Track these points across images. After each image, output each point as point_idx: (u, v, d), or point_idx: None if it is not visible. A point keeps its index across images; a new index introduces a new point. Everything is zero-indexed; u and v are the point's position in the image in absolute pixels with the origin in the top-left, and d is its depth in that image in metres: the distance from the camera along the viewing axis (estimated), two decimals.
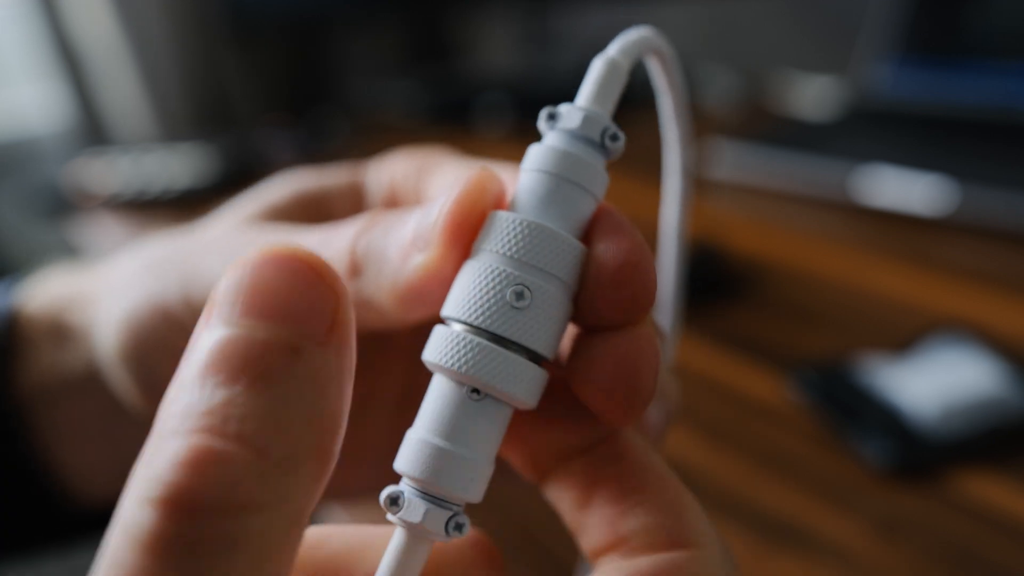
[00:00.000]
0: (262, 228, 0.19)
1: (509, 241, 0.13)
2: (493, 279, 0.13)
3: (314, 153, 0.84)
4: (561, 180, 0.14)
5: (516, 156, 0.16)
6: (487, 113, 0.87)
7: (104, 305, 0.21)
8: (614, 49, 0.15)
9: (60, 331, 0.22)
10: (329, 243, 0.16)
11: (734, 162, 0.61)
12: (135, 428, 0.20)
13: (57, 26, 0.96)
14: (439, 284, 0.14)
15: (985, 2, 0.63)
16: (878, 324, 0.39)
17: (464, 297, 0.13)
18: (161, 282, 0.19)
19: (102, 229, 0.69)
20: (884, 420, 0.30)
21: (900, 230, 0.50)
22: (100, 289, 0.22)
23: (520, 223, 0.13)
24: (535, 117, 0.16)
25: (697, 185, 0.62)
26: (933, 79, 0.65)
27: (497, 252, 0.13)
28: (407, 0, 1.06)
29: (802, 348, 0.37)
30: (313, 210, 0.21)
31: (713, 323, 0.40)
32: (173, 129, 1.01)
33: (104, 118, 1.02)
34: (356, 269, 0.16)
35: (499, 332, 0.12)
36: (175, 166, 0.74)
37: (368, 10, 1.04)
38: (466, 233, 0.14)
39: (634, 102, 0.96)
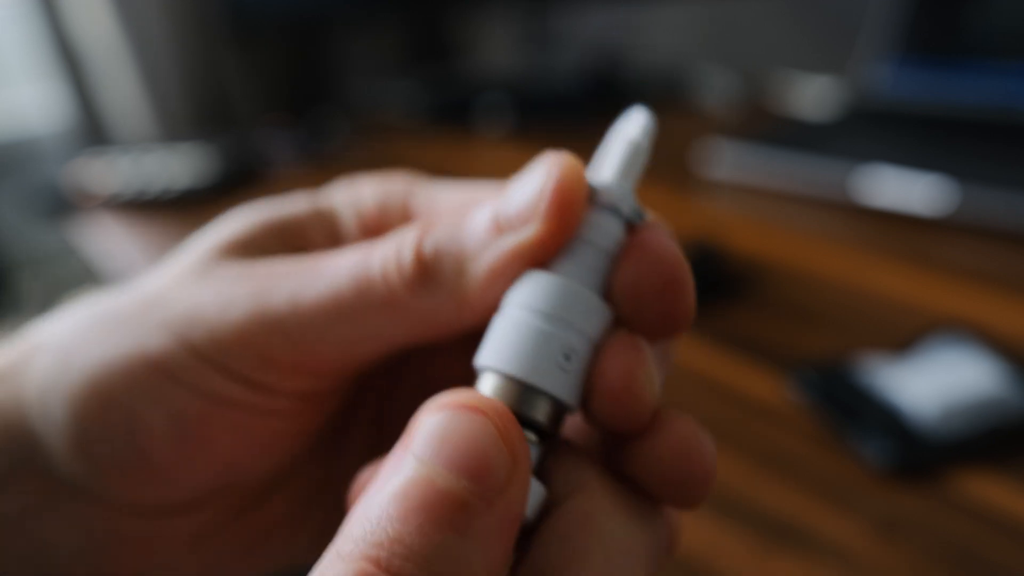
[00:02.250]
0: (250, 263, 0.17)
1: (556, 301, 0.14)
2: (544, 339, 0.14)
3: (314, 153, 0.84)
4: (595, 249, 0.15)
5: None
6: (487, 113, 0.87)
7: (40, 376, 0.17)
8: (636, 131, 0.17)
9: None
10: (384, 251, 0.16)
11: (734, 162, 0.61)
12: (59, 524, 0.17)
13: (57, 26, 0.96)
14: (537, 260, 0.15)
15: (985, 2, 0.63)
16: (878, 324, 0.39)
17: (512, 351, 0.14)
18: (137, 332, 0.16)
19: (102, 229, 0.69)
20: (884, 420, 0.30)
21: (900, 230, 0.50)
22: (25, 360, 0.17)
23: (566, 286, 0.14)
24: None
25: (697, 185, 0.62)
26: (933, 79, 0.65)
27: (540, 311, 0.14)
28: (407, 0, 1.06)
29: (802, 348, 0.37)
30: (287, 239, 0.19)
31: (713, 323, 0.40)
32: (173, 129, 1.01)
33: (104, 118, 1.02)
34: (424, 274, 0.15)
35: (548, 390, 0.14)
36: (175, 166, 0.74)
37: (368, 10, 1.04)
38: (570, 208, 0.14)
39: (632, 102, 0.96)
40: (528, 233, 0.15)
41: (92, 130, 1.01)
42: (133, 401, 0.16)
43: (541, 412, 0.14)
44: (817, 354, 0.36)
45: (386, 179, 0.20)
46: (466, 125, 0.89)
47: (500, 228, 0.15)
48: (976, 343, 0.34)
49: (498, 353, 0.14)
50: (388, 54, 1.21)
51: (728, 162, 0.61)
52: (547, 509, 0.13)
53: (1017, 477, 0.28)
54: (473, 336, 0.18)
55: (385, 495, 0.10)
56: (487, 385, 0.14)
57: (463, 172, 0.74)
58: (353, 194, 0.20)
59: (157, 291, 0.17)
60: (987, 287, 0.41)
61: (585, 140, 0.89)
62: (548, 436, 0.14)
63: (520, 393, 0.14)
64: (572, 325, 0.14)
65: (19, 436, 0.17)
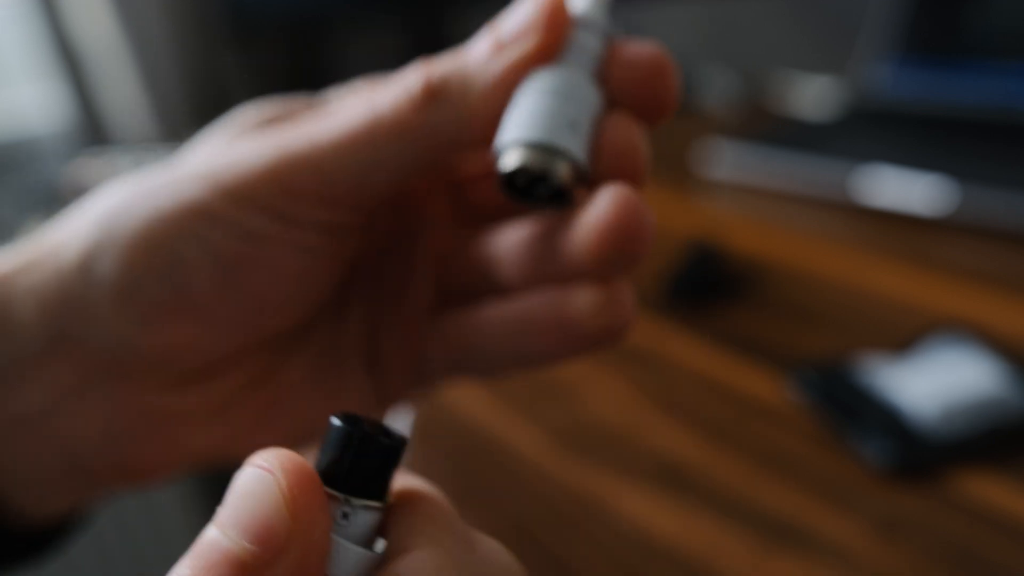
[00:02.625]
0: (271, 127, 0.19)
1: (559, 81, 0.17)
2: (554, 109, 0.16)
3: None
4: (584, 53, 0.18)
5: None
6: None
7: (82, 244, 0.18)
8: None
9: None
10: (391, 86, 0.18)
11: (734, 162, 0.61)
12: (99, 405, 0.18)
13: (57, 26, 0.96)
14: (536, 68, 0.17)
15: (985, 2, 0.63)
16: (878, 324, 0.39)
17: (529, 121, 0.16)
18: (177, 189, 0.18)
19: None
20: (884, 420, 0.30)
21: (900, 230, 0.50)
22: (69, 236, 0.19)
23: (565, 70, 0.17)
24: None
25: (697, 185, 0.62)
26: (933, 79, 0.65)
27: (546, 90, 0.17)
28: (407, 0, 1.06)
29: (802, 348, 0.37)
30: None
31: (713, 323, 0.40)
32: (173, 129, 1.01)
33: (104, 118, 1.02)
34: (431, 95, 0.17)
35: (565, 147, 0.16)
36: None
37: (368, 10, 1.04)
38: (561, 18, 0.17)
39: None
40: (527, 44, 0.17)
41: (92, 130, 1.01)
42: (176, 244, 0.17)
43: (563, 170, 0.16)
44: (817, 354, 0.36)
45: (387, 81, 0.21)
46: None
47: (500, 47, 0.17)
48: (976, 343, 0.34)
49: (517, 128, 0.16)
50: (388, 54, 1.21)
51: (728, 162, 0.61)
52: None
53: (1017, 477, 0.28)
54: (452, 206, 0.22)
55: (188, 554, 0.11)
56: (512, 158, 0.16)
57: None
58: (350, 93, 0.21)
59: (188, 162, 0.19)
60: (987, 287, 0.41)
61: None
62: (561, 199, 0.17)
63: (543, 156, 0.16)
64: (575, 100, 0.17)
65: (61, 309, 0.18)
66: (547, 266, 0.18)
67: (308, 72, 1.13)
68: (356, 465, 0.12)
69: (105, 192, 0.20)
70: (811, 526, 0.27)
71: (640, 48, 0.18)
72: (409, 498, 0.13)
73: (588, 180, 0.17)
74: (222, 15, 1.00)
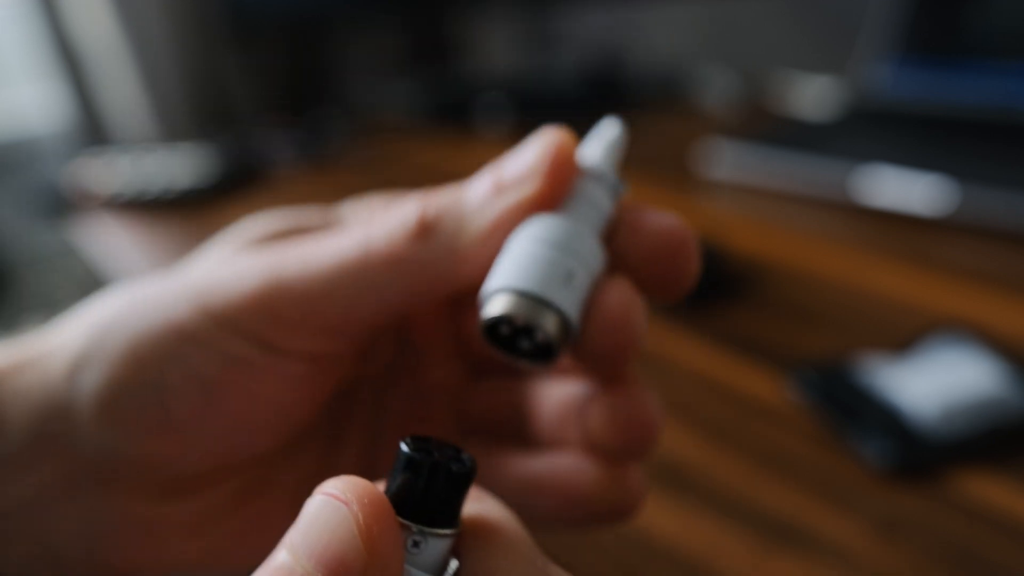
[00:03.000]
0: (268, 246, 0.19)
1: (558, 232, 0.16)
2: (549, 260, 0.15)
3: (314, 153, 0.84)
4: (588, 206, 0.17)
5: None
6: (487, 113, 0.87)
7: (73, 351, 0.18)
8: (613, 129, 0.19)
9: None
10: (387, 218, 0.17)
11: (734, 162, 0.61)
12: (81, 501, 0.18)
13: (57, 26, 0.96)
14: (531, 215, 0.16)
15: (985, 2, 0.63)
16: (878, 324, 0.39)
17: (521, 270, 0.15)
18: (166, 307, 0.18)
19: (102, 229, 0.69)
20: (884, 420, 0.30)
21: (900, 230, 0.50)
22: (60, 343, 0.19)
23: (566, 221, 0.16)
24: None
25: (697, 185, 0.62)
26: (933, 79, 0.65)
27: (543, 239, 0.16)
28: (407, 0, 1.06)
29: (802, 348, 0.37)
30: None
31: (713, 323, 0.40)
32: (173, 129, 1.01)
33: (104, 118, 1.02)
34: (425, 230, 0.17)
35: (555, 302, 0.15)
36: (175, 166, 0.74)
37: (368, 10, 1.04)
38: (566, 167, 0.16)
39: (632, 105, 0.96)
40: (527, 189, 0.16)
41: (92, 130, 1.01)
42: (160, 363, 0.17)
43: (551, 325, 0.15)
44: (817, 354, 0.36)
45: (396, 197, 0.21)
46: (466, 125, 0.89)
47: (500, 189, 0.17)
48: (976, 343, 0.34)
49: (507, 274, 0.15)
50: (388, 54, 1.21)
51: (728, 162, 0.61)
52: None
53: (1017, 477, 0.28)
54: (461, 345, 0.21)
55: (258, 574, 0.11)
56: (497, 305, 0.15)
57: (463, 172, 0.74)
58: (363, 208, 0.21)
59: (184, 276, 0.19)
60: (987, 287, 0.41)
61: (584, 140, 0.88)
62: (546, 355, 0.16)
63: (531, 307, 0.15)
64: (573, 252, 0.15)
65: (47, 411, 0.18)
66: (569, 432, 0.18)
67: (308, 72, 1.13)
68: (427, 493, 0.12)
69: (101, 300, 0.20)
70: (811, 526, 0.27)
71: (659, 219, 0.17)
72: (484, 526, 0.13)
73: (577, 340, 0.16)
74: (222, 15, 1.00)
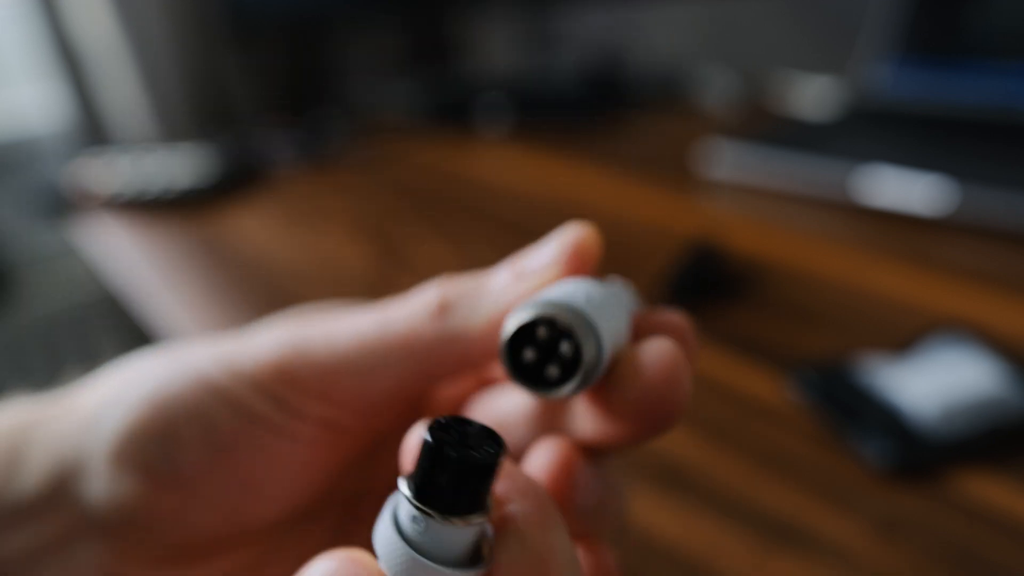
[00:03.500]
0: (313, 315, 0.20)
1: (589, 281, 0.16)
2: (581, 287, 0.15)
3: (314, 153, 0.84)
4: (612, 294, 0.17)
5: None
6: (487, 113, 0.87)
7: (97, 401, 0.19)
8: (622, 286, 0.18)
9: (13, 455, 0.19)
10: (408, 299, 0.18)
11: (734, 162, 0.61)
12: (91, 549, 0.18)
13: (57, 26, 0.96)
14: None
15: (985, 2, 0.63)
16: (878, 324, 0.39)
17: (552, 292, 0.15)
18: (192, 362, 0.18)
19: (102, 229, 0.69)
20: (884, 420, 0.30)
21: (900, 230, 0.50)
22: (88, 394, 0.20)
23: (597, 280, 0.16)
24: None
25: (697, 185, 0.62)
26: (933, 79, 0.65)
27: (583, 281, 0.16)
28: (407, 0, 1.06)
29: (802, 348, 0.37)
30: None
31: (713, 323, 0.40)
32: (173, 129, 1.01)
33: (104, 118, 1.02)
34: (443, 310, 0.17)
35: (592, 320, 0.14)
36: (175, 166, 0.74)
37: (368, 10, 1.04)
38: (585, 261, 0.17)
39: (632, 105, 0.96)
40: (546, 276, 0.17)
41: (92, 130, 1.01)
42: (177, 410, 0.18)
43: (591, 341, 0.14)
44: (817, 354, 0.36)
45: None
46: (466, 125, 0.89)
47: (520, 277, 0.17)
48: (976, 343, 0.34)
49: (536, 296, 0.15)
50: (388, 54, 1.21)
51: (728, 162, 0.61)
52: None
53: (1017, 477, 0.28)
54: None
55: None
56: (530, 311, 0.14)
57: (463, 172, 0.74)
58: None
59: (218, 342, 0.20)
60: (987, 287, 0.41)
61: (585, 140, 0.89)
62: (564, 382, 0.14)
63: (568, 312, 0.14)
64: (610, 296, 0.15)
65: (62, 461, 0.18)
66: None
67: (308, 72, 1.13)
68: (449, 484, 0.12)
69: (136, 357, 0.20)
70: (811, 526, 0.27)
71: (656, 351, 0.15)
72: (518, 508, 0.13)
73: (594, 381, 0.14)
74: (222, 15, 1.00)
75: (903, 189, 0.51)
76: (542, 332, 0.14)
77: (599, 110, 0.88)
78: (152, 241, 0.64)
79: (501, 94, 0.89)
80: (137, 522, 0.18)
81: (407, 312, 0.18)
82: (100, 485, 0.18)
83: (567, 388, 0.14)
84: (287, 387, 0.18)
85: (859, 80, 0.72)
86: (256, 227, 0.65)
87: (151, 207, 0.72)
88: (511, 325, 0.14)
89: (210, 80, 1.03)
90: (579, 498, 0.16)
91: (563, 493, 0.16)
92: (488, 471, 0.12)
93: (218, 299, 0.51)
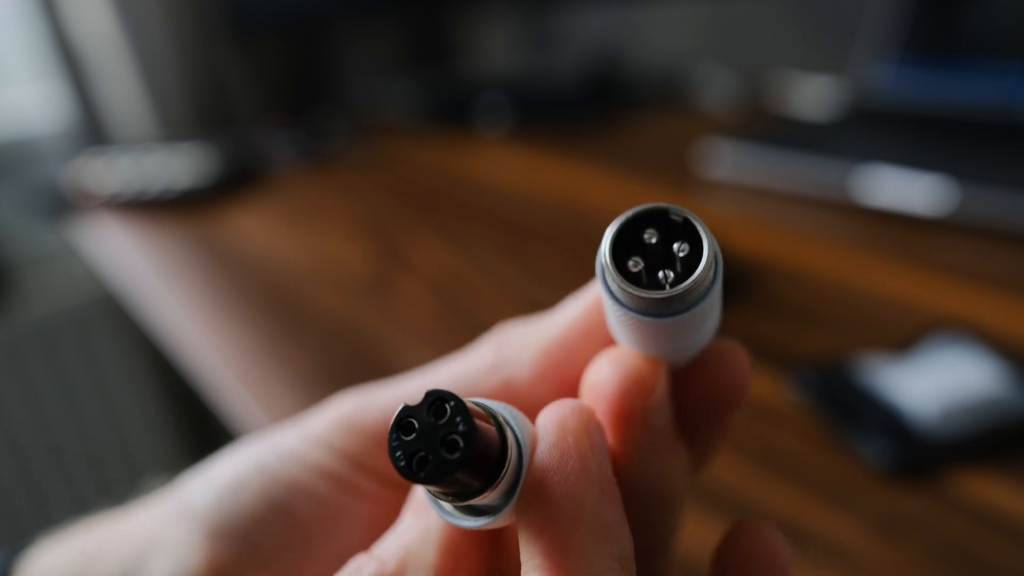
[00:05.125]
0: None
1: None
2: None
3: (314, 153, 0.84)
4: None
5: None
6: (487, 113, 0.87)
7: (165, 516, 0.18)
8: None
9: None
10: (467, 352, 0.18)
11: (734, 162, 0.61)
12: None
13: (57, 26, 0.96)
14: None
15: (985, 2, 0.63)
16: (878, 324, 0.39)
17: None
18: (258, 455, 0.18)
19: (102, 229, 0.69)
20: (884, 420, 0.30)
21: (900, 230, 0.50)
22: (143, 523, 0.19)
23: None
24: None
25: (697, 185, 0.62)
26: (933, 79, 0.65)
27: None
28: (407, 0, 1.06)
29: (802, 348, 0.37)
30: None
31: None
32: (173, 129, 1.01)
33: (104, 118, 1.02)
34: (499, 352, 0.17)
35: None
36: (175, 166, 0.74)
37: (368, 10, 1.04)
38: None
39: (632, 104, 0.96)
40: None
41: (92, 130, 1.00)
42: (273, 489, 0.17)
43: (710, 241, 0.13)
44: (817, 354, 0.36)
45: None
46: (466, 125, 0.89)
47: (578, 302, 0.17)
48: (976, 343, 0.34)
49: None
50: (388, 54, 1.21)
51: (728, 162, 0.61)
52: None
53: (1017, 477, 0.28)
54: None
55: None
56: (647, 206, 0.14)
57: (463, 172, 0.74)
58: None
59: (284, 432, 0.19)
60: (987, 287, 0.41)
61: (584, 140, 0.88)
62: (692, 283, 0.13)
63: (685, 211, 0.14)
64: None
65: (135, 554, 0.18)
66: None
67: (308, 72, 1.13)
68: (444, 488, 0.12)
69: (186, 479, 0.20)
70: (811, 526, 0.27)
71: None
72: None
73: (712, 295, 0.14)
74: (222, 15, 1.00)
75: (903, 189, 0.51)
76: (634, 265, 0.13)
77: (599, 110, 0.88)
78: (152, 241, 0.64)
79: (501, 94, 0.89)
80: None
81: (464, 366, 0.17)
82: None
83: (690, 281, 0.13)
84: (350, 438, 0.17)
85: (859, 80, 0.72)
86: (256, 227, 0.65)
87: (151, 207, 0.72)
88: (614, 224, 0.14)
89: (210, 80, 1.03)
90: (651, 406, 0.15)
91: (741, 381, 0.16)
92: (460, 462, 0.12)
93: (218, 299, 0.51)
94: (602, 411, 0.15)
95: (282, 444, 0.18)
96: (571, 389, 0.16)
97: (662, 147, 0.74)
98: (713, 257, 0.13)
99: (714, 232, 0.14)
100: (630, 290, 0.13)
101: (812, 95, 0.81)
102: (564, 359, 0.16)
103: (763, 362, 0.36)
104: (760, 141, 0.61)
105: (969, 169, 0.51)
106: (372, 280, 0.52)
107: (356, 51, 1.17)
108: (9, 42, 1.01)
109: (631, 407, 0.15)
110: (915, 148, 0.59)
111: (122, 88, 0.99)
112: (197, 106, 1.03)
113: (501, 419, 0.13)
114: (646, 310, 0.13)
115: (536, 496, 0.12)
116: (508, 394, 0.17)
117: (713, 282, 0.13)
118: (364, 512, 0.18)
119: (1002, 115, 0.61)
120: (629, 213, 0.14)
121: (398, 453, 0.12)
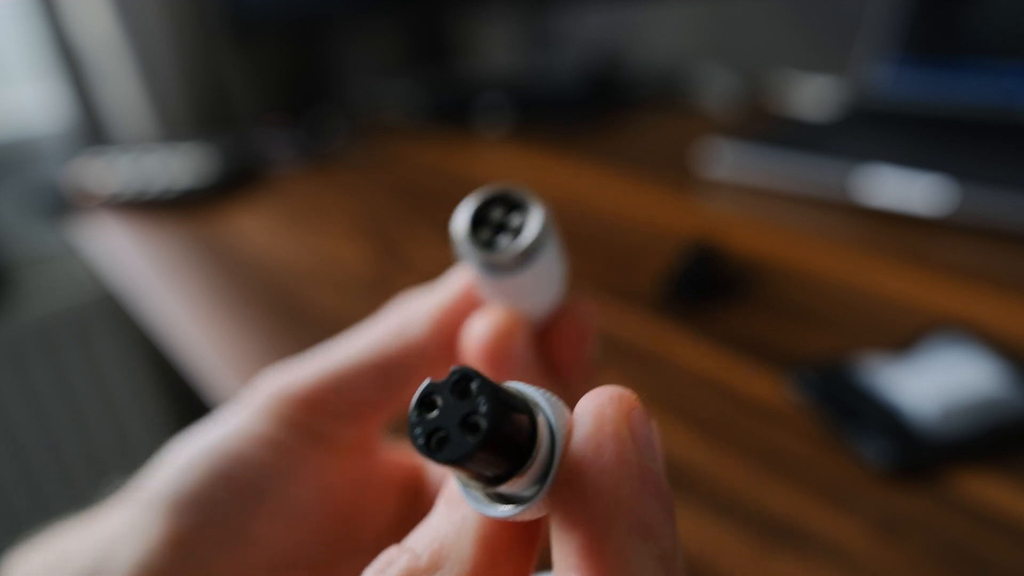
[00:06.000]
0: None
1: None
2: None
3: (314, 153, 0.84)
4: None
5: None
6: (486, 113, 0.87)
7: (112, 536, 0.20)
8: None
9: None
10: (377, 322, 0.21)
11: (734, 162, 0.61)
12: None
13: (57, 26, 0.96)
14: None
15: (984, 2, 0.63)
16: (878, 324, 0.39)
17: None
18: (202, 438, 0.20)
19: (102, 229, 0.69)
20: (884, 420, 0.30)
21: (900, 230, 0.50)
22: (109, 519, 0.20)
23: None
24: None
25: (697, 185, 0.62)
26: (933, 79, 0.65)
27: None
28: (407, 0, 1.06)
29: (802, 348, 0.37)
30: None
31: (713, 323, 0.40)
32: (173, 129, 1.01)
33: (104, 118, 1.02)
34: (399, 315, 0.21)
35: None
36: (175, 166, 0.74)
37: (368, 10, 1.04)
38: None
39: (632, 104, 0.96)
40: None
41: (92, 130, 1.00)
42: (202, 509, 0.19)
43: (537, 206, 0.18)
44: (817, 354, 0.36)
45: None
46: (466, 125, 0.89)
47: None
48: (976, 343, 0.34)
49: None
50: (388, 54, 1.21)
51: (728, 162, 0.61)
52: None
53: (1017, 477, 0.28)
54: None
55: None
56: (490, 188, 0.18)
57: (463, 172, 0.74)
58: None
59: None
60: (987, 287, 0.41)
61: (584, 140, 0.88)
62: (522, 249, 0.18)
63: (521, 192, 0.18)
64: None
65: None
66: None
67: (308, 72, 1.13)
68: (454, 464, 0.11)
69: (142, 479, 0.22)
70: (811, 526, 0.27)
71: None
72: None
73: (539, 260, 0.18)
74: (222, 15, 1.00)
75: (903, 189, 0.51)
76: (486, 234, 0.17)
77: (599, 110, 0.88)
78: (152, 241, 0.64)
79: (501, 94, 0.89)
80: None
81: (375, 333, 0.20)
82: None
83: (520, 242, 0.17)
84: (283, 405, 0.20)
85: (859, 80, 0.72)
86: (256, 227, 0.65)
87: (151, 207, 0.72)
88: (467, 204, 0.17)
89: (210, 80, 1.03)
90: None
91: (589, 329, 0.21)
92: (489, 439, 0.11)
93: (218, 299, 0.51)
94: (476, 358, 0.18)
95: (223, 423, 0.20)
96: (455, 345, 0.20)
97: (662, 147, 0.74)
98: (541, 225, 0.17)
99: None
100: (479, 255, 0.17)
101: (812, 95, 0.81)
102: (452, 320, 0.20)
103: (763, 362, 0.36)
104: (760, 141, 0.61)
105: (969, 169, 0.51)
106: (372, 280, 0.52)
107: (356, 51, 1.17)
108: (9, 42, 1.01)
109: (499, 351, 0.18)
110: (915, 148, 0.59)
111: (122, 88, 0.99)
112: (197, 106, 1.03)
113: (532, 403, 0.12)
114: (494, 269, 0.17)
115: (569, 489, 0.12)
116: (411, 354, 0.20)
117: (544, 244, 0.17)
118: (304, 470, 0.20)
119: (1002, 115, 0.61)
120: (479, 196, 0.17)
121: (417, 430, 0.11)
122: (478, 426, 0.11)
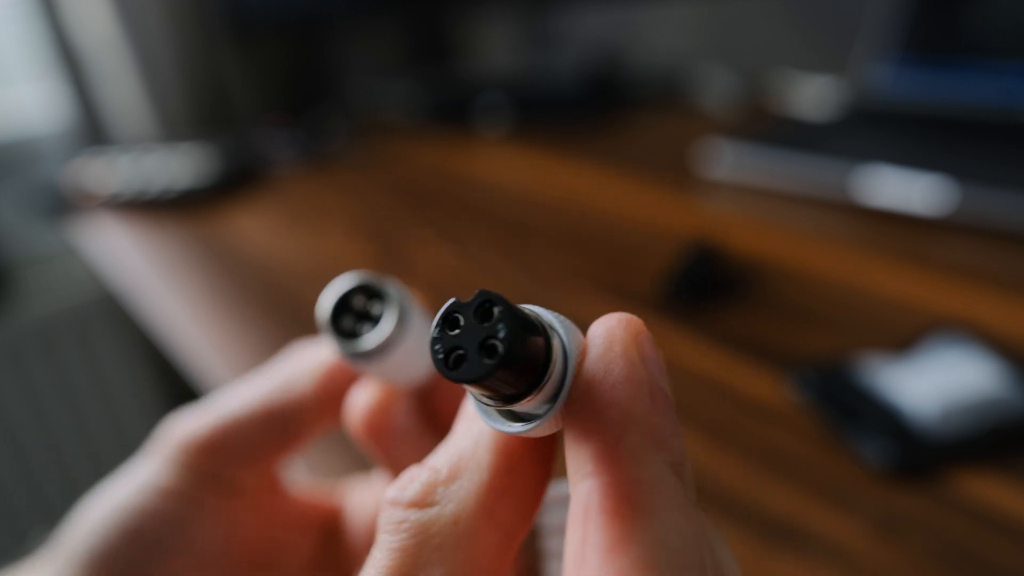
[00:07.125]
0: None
1: None
2: None
3: (314, 153, 0.84)
4: None
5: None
6: (486, 113, 0.87)
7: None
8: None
9: None
10: (270, 372, 0.22)
11: (734, 162, 0.61)
12: None
13: (57, 26, 0.96)
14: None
15: (984, 2, 0.63)
16: (878, 324, 0.39)
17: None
18: (114, 495, 0.21)
19: (102, 229, 0.69)
20: (884, 420, 0.30)
21: (900, 230, 0.50)
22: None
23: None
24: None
25: (697, 185, 0.62)
26: (933, 79, 0.65)
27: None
28: (407, 0, 1.06)
29: (802, 348, 0.37)
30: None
31: (713, 323, 0.40)
32: (173, 129, 1.01)
33: (104, 118, 1.02)
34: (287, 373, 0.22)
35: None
36: (175, 166, 0.74)
37: (368, 10, 1.04)
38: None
39: (632, 104, 0.96)
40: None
41: (92, 130, 1.00)
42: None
43: (395, 295, 0.18)
44: (817, 354, 0.36)
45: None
46: (466, 125, 0.88)
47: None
48: (976, 343, 0.34)
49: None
50: (388, 54, 1.21)
51: (728, 162, 0.61)
52: None
53: (1017, 477, 0.28)
54: None
55: None
56: (350, 279, 0.18)
57: (463, 172, 0.74)
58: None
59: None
60: (987, 287, 0.41)
61: (584, 140, 0.88)
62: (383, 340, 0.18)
63: (378, 280, 0.18)
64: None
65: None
66: None
67: (308, 72, 1.13)
68: (470, 383, 0.12)
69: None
70: (811, 526, 0.27)
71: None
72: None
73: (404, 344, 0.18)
74: (222, 15, 1.00)
75: (903, 189, 0.51)
76: (348, 324, 0.18)
77: (599, 110, 0.88)
78: (152, 241, 0.64)
79: (501, 94, 0.89)
80: None
81: (265, 384, 0.21)
82: None
83: (375, 337, 0.17)
84: (186, 455, 0.20)
85: (859, 80, 0.72)
86: (256, 227, 0.65)
87: (151, 207, 0.72)
88: (330, 295, 0.18)
89: (210, 80, 1.03)
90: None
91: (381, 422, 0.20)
92: (489, 373, 0.11)
93: (218, 299, 0.51)
94: (357, 432, 0.20)
95: (131, 477, 0.21)
96: (341, 401, 0.21)
97: (662, 147, 0.74)
98: (396, 318, 0.17)
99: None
100: (341, 345, 0.18)
101: (812, 95, 0.81)
102: (337, 377, 0.21)
103: (763, 362, 0.36)
104: (760, 141, 0.61)
105: (969, 169, 0.51)
106: None
107: (356, 51, 1.17)
108: (9, 42, 1.01)
109: (377, 426, 0.19)
110: (915, 148, 0.59)
111: (122, 88, 0.99)
112: (197, 106, 1.03)
113: (547, 326, 0.13)
114: (356, 358, 0.18)
115: (582, 405, 0.12)
116: (297, 408, 0.20)
117: (401, 334, 0.17)
118: (210, 516, 0.21)
119: (1002, 115, 0.61)
120: (340, 288, 0.18)
121: (437, 346, 0.12)
122: (495, 349, 0.11)
